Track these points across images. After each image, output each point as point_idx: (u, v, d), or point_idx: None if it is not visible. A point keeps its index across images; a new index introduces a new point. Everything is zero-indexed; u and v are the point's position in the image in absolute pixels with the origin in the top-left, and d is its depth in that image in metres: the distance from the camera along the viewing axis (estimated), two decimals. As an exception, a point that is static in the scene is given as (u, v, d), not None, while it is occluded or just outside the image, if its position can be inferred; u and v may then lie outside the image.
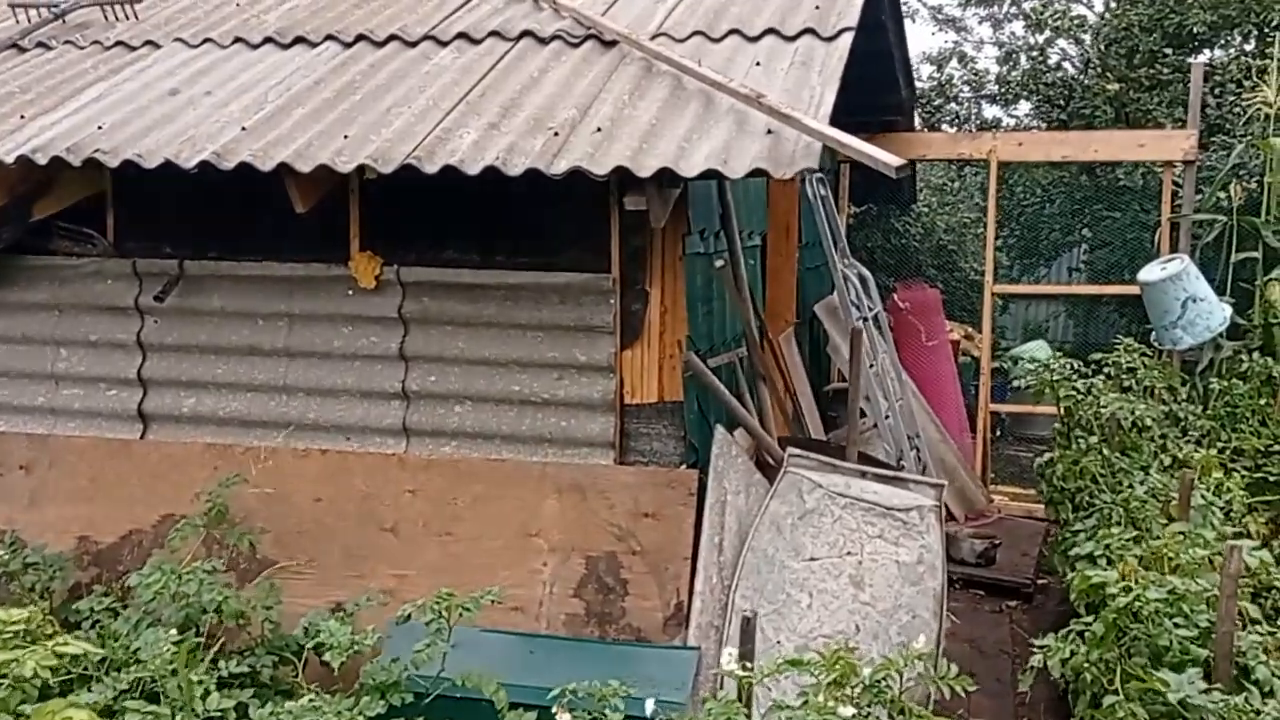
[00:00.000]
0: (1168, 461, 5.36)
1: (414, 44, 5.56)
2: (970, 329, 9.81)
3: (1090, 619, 3.48)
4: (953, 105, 12.25)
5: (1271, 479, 6.01)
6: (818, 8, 5.35)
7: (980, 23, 12.31)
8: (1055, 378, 5.73)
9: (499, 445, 5.02)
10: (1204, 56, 11.05)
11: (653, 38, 5.25)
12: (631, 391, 4.92)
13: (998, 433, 10.66)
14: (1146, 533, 4.62)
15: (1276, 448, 6.24)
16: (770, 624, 4.30)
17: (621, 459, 4.92)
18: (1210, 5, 10.79)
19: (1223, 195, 7.86)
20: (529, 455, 4.98)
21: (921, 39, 16.51)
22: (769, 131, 4.32)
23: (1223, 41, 11.39)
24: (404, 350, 5.08)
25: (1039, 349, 10.25)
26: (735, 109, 4.51)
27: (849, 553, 4.37)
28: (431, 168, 4.36)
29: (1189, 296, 6.68)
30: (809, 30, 5.16)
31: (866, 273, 7.07)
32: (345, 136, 4.60)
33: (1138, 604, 3.24)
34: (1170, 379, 6.45)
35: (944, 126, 12.03)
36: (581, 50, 5.27)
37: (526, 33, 5.46)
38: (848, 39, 5.05)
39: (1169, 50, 10.98)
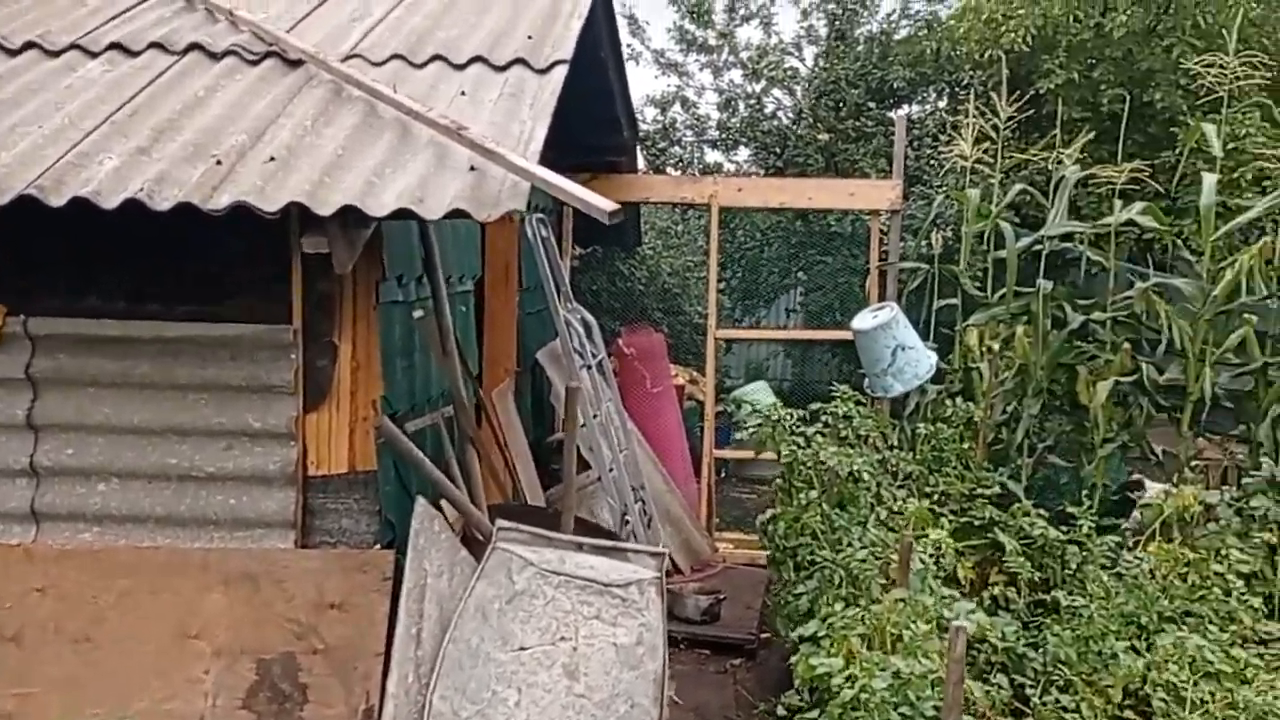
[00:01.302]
0: (884, 514, 5.31)
1: (56, 54, 4.73)
2: (695, 373, 9.75)
3: (815, 714, 3.23)
4: (677, 149, 12.31)
5: (976, 523, 6.14)
6: (530, 38, 4.98)
7: (701, 69, 12.50)
8: (776, 430, 5.59)
9: (153, 530, 4.27)
10: (903, 111, 11.67)
11: (345, 59, 4.69)
12: (317, 461, 4.30)
13: (722, 474, 10.66)
14: (866, 592, 4.49)
15: (979, 491, 6.39)
16: (475, 727, 3.79)
17: (304, 541, 4.29)
18: (908, 63, 11.41)
19: (925, 243, 8.16)
20: (190, 541, 4.26)
21: (646, 82, 16.72)
22: (472, 168, 3.87)
23: (919, 97, 12.09)
24: (33, 417, 4.23)
25: (760, 390, 10.37)
26: (436, 142, 4.03)
27: (563, 638, 3.93)
28: (57, 200, 3.61)
29: (898, 345, 6.80)
30: (520, 61, 4.77)
31: (590, 318, 6.75)
32: (-54, 159, 3.73)
33: (864, 694, 3.00)
34: (883, 426, 6.52)
35: (668, 169, 12.06)
36: (260, 69, 4.62)
37: (195, 46, 4.76)
38: (562, 72, 4.70)
39: (872, 104, 11.52)
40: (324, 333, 4.25)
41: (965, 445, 6.78)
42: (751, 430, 5.80)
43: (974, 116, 7.89)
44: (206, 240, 4.08)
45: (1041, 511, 6.06)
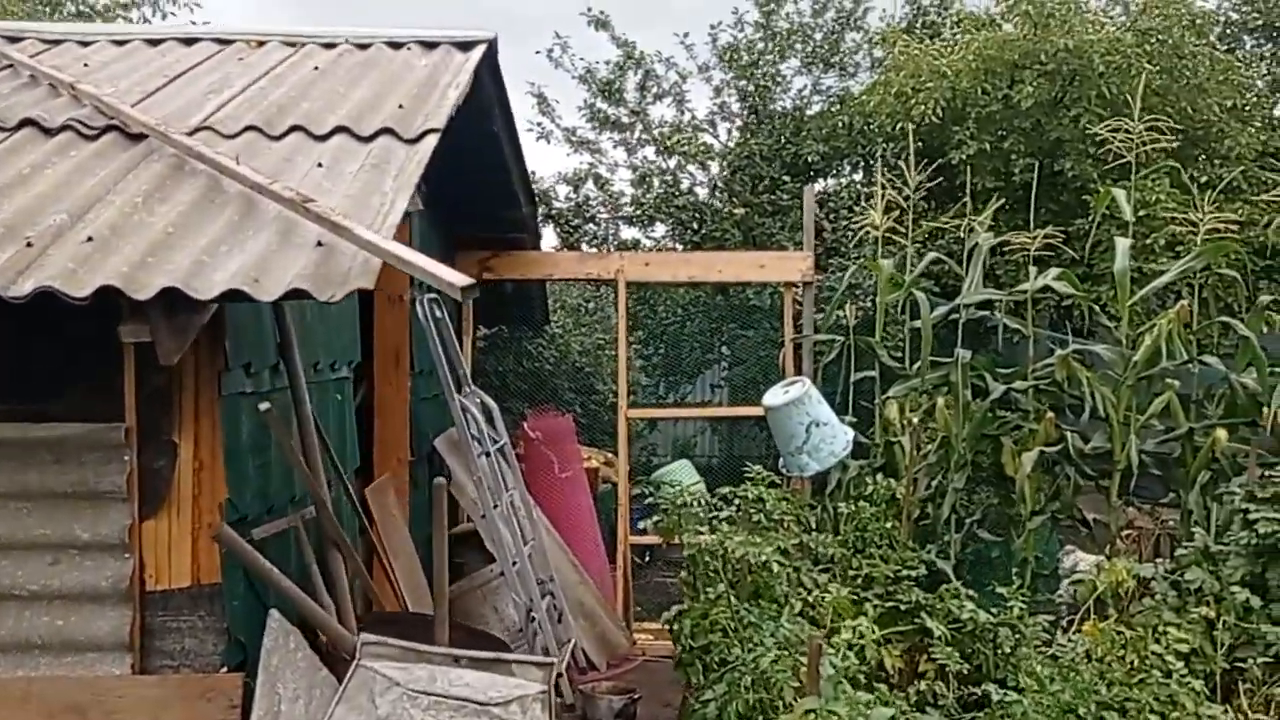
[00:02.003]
0: (799, 606, 4.93)
1: (-127, 131, 4.29)
2: (611, 454, 9.35)
3: None
4: (591, 226, 12.07)
5: (903, 607, 5.78)
6: (401, 107, 4.68)
7: (615, 146, 12.32)
8: (681, 520, 5.21)
9: (-35, 658, 3.73)
10: (819, 185, 11.58)
11: (193, 132, 4.34)
12: (155, 575, 3.84)
13: (645, 558, 10.22)
14: (779, 696, 4.09)
15: (905, 573, 6.05)
16: None
17: (142, 665, 3.81)
18: (822, 138, 11.38)
19: (840, 314, 7.94)
20: (11, 668, 3.78)
21: (557, 160, 16.69)
22: (320, 244, 3.50)
23: (834, 171, 12.04)
24: None
25: (682, 470, 9.98)
26: (282, 217, 3.67)
27: (431, 770, 3.46)
28: None
29: (812, 421, 6.49)
30: (387, 130, 4.47)
31: (490, 401, 6.35)
32: None
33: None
34: (800, 508, 6.16)
35: (583, 246, 11.79)
36: (97, 144, 4.25)
37: (29, 121, 4.39)
38: (431, 141, 4.39)
39: (788, 178, 11.42)
40: (161, 430, 3.82)
41: (889, 524, 6.45)
42: (657, 519, 5.41)
43: (884, 186, 7.76)
44: (28, 331, 3.65)
45: (971, 593, 5.76)
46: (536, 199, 8.73)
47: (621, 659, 7.22)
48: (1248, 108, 10.59)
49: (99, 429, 3.76)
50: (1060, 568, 7.87)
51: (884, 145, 10.54)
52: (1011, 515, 7.38)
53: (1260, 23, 13.24)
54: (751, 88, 12.09)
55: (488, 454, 6.10)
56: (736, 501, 5.58)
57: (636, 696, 6.29)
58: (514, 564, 5.92)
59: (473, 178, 6.62)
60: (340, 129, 4.46)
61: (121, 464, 3.77)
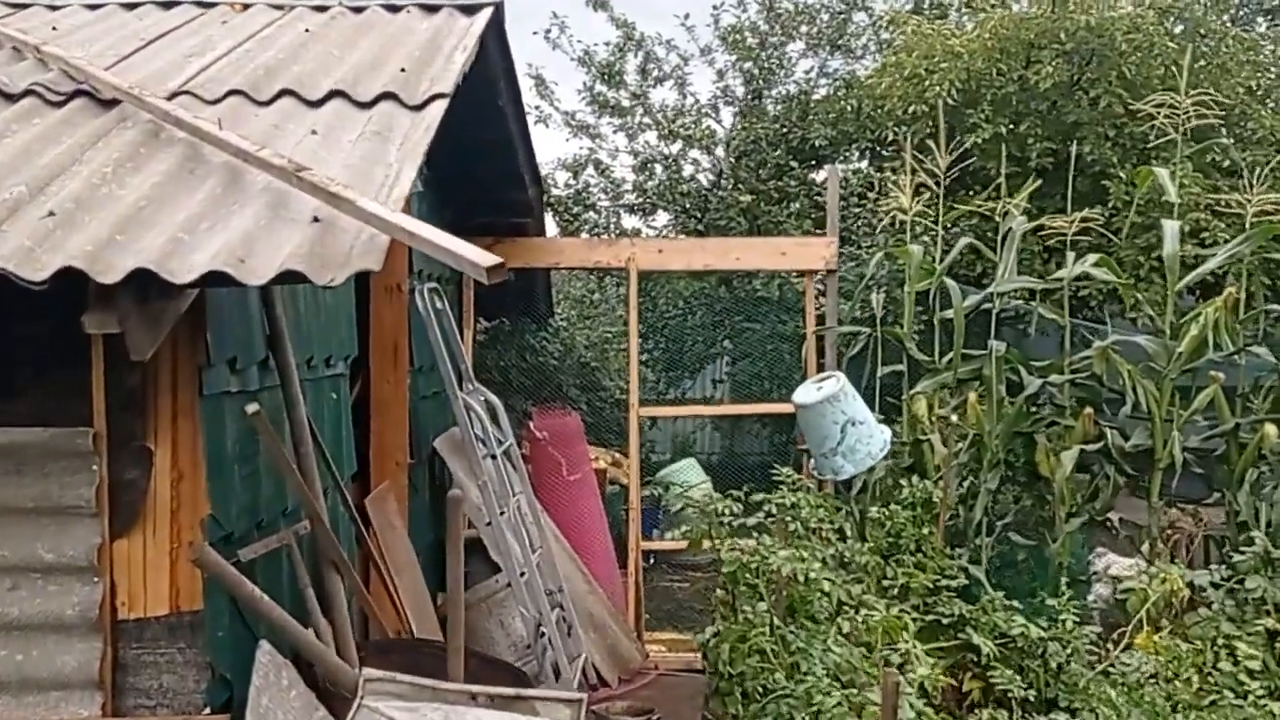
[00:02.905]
0: (846, 627, 4.47)
1: None
2: (618, 454, 8.88)
3: None
4: (591, 214, 11.59)
5: (944, 620, 5.36)
6: (403, 70, 4.20)
7: (615, 132, 11.84)
8: (714, 530, 4.75)
9: (-92, 701, 3.25)
10: (830, 167, 11.16)
11: (171, 97, 3.84)
12: (129, 602, 3.37)
13: (650, 561, 9.77)
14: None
15: (943, 582, 5.63)
16: None
17: (115, 705, 3.35)
18: (829, 122, 10.96)
19: (860, 307, 7.50)
20: (-41, 713, 3.25)
21: (556, 145, 16.13)
22: (316, 219, 3.02)
23: (842, 156, 11.62)
24: None
25: (689, 469, 9.54)
26: (272, 188, 3.19)
27: (449, 828, 3.00)
28: None
29: (848, 419, 6.01)
30: (389, 95, 4.00)
31: (494, 399, 5.88)
32: None
33: None
34: (834, 515, 5.71)
35: (584, 234, 11.33)
36: (64, 111, 3.77)
37: (-12, 87, 3.86)
38: (439, 107, 3.92)
39: (794, 163, 11.01)
40: (134, 436, 3.34)
41: (925, 530, 6.01)
42: (686, 529, 4.95)
43: (913, 170, 7.31)
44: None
45: (1014, 603, 5.36)
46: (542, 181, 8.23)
47: (634, 673, 6.77)
48: (1265, 88, 10.22)
49: (63, 434, 3.28)
50: (1093, 571, 7.48)
51: (895, 129, 10.13)
52: (1044, 516, 6.97)
53: (1276, 3, 12.89)
54: (756, 70, 11.66)
55: (493, 456, 5.64)
56: (769, 507, 5.13)
57: (656, 716, 5.83)
58: (522, 575, 5.45)
59: (476, 156, 6.16)
60: (336, 93, 3.98)
61: (89, 474, 3.29)
